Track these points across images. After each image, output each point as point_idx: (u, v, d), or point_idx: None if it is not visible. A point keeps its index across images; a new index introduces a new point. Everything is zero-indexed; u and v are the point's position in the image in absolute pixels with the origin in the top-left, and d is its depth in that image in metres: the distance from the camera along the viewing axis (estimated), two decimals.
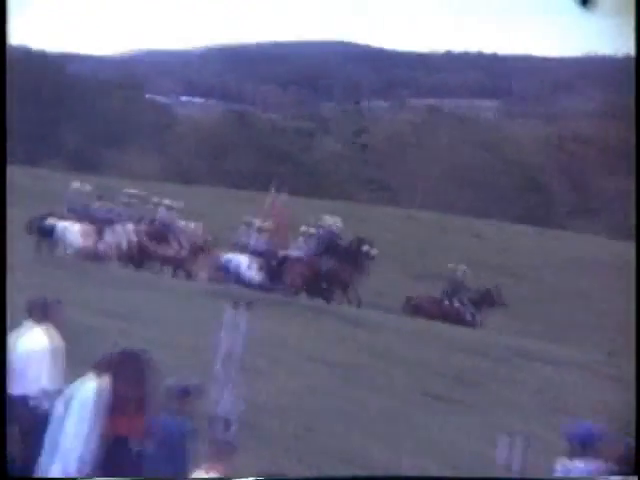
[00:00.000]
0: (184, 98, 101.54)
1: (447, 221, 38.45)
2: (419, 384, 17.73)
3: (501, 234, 39.72)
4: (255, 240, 26.63)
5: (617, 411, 17.38)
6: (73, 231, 25.51)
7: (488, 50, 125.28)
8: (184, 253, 26.50)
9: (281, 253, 26.49)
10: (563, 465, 9.59)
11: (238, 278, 25.79)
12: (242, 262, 26.27)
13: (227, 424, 11.82)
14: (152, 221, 26.63)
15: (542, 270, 32.34)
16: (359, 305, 25.91)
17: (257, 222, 27.11)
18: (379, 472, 13.13)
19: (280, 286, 25.75)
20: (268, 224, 27.06)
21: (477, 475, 13.26)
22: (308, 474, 11.39)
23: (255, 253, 26.40)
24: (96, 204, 26.28)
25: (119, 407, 9.24)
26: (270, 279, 25.98)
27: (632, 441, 9.42)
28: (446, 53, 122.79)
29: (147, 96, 79.42)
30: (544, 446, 14.19)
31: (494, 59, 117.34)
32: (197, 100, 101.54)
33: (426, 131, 68.16)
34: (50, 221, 25.73)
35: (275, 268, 26.22)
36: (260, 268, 26.12)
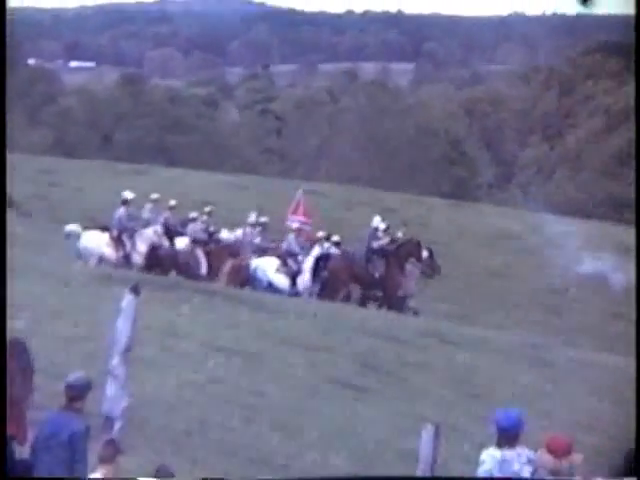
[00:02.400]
0: (73, 64, 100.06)
1: (354, 194, 38.47)
2: (325, 371, 17.72)
3: (412, 208, 39.97)
4: (290, 243, 26.55)
5: (539, 397, 17.64)
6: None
7: (409, 10, 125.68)
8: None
9: (319, 253, 26.32)
10: (490, 455, 9.62)
11: (267, 284, 25.82)
12: (268, 266, 26.14)
13: (111, 422, 11.72)
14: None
15: (456, 245, 32.57)
16: (417, 313, 25.80)
17: (294, 224, 27.30)
18: (280, 467, 13.11)
19: (322, 289, 25.71)
20: (300, 225, 27.29)
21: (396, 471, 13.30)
22: (200, 472, 11.30)
23: (289, 255, 26.34)
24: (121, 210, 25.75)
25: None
26: (313, 282, 25.89)
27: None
28: (364, 13, 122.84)
29: (30, 61, 78.08)
30: (463, 436, 14.35)
31: (413, 19, 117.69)
32: (87, 65, 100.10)
33: (339, 97, 68.24)
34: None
35: (316, 270, 26.02)
36: (289, 271, 26.09)
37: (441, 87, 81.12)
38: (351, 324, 21.50)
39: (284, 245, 26.62)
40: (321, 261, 25.99)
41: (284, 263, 26.02)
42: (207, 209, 27.40)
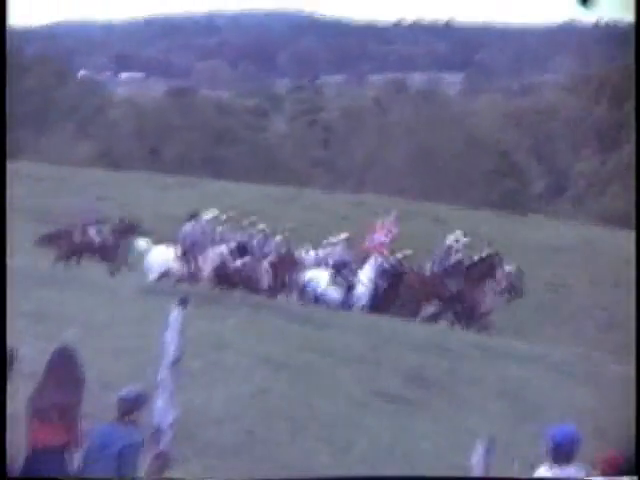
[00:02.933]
0: (124, 75, 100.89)
1: (404, 206, 38.39)
2: (371, 384, 17.73)
3: (462, 219, 39.91)
4: (340, 254, 26.61)
5: (588, 413, 17.52)
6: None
7: (458, 20, 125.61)
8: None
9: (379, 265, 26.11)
10: (544, 472, 9.61)
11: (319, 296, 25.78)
12: (321, 279, 26.08)
13: (160, 434, 11.80)
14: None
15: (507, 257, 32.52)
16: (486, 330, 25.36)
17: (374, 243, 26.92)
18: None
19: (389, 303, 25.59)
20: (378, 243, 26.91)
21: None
22: None
23: (342, 267, 26.30)
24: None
25: (45, 413, 9.24)
26: (384, 298, 25.71)
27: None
28: (413, 23, 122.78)
29: (80, 73, 78.87)
30: (516, 451, 14.29)
31: (463, 29, 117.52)
32: (136, 76, 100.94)
33: (387, 107, 68.20)
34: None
35: (388, 286, 25.86)
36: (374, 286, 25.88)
37: (491, 97, 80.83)
38: (401, 337, 21.52)
39: (336, 256, 26.53)
40: (390, 277, 25.80)
41: (337, 274, 25.93)
42: (288, 227, 27.39)
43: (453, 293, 25.52)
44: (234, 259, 25.34)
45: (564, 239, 38.12)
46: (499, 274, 25.56)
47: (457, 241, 26.22)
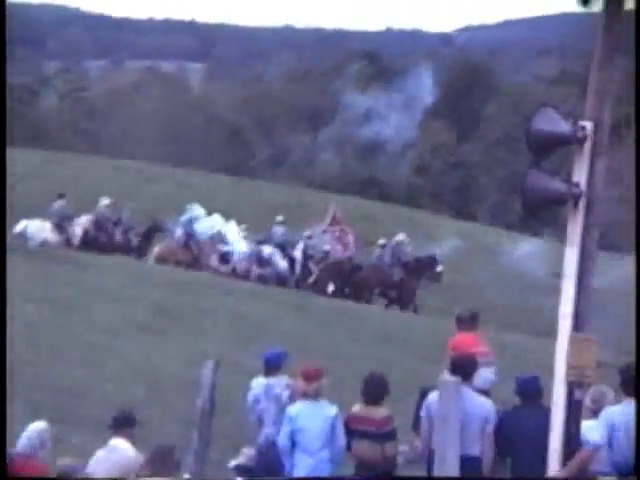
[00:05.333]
0: None
1: (153, 170, 37.99)
2: (125, 317, 17.46)
3: (204, 182, 39.87)
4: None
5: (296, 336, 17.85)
6: None
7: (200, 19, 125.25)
8: None
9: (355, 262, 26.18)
10: (257, 382, 9.87)
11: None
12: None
13: None
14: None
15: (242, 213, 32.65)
16: (415, 311, 25.42)
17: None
18: (82, 394, 12.91)
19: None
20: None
21: None
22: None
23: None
24: None
25: None
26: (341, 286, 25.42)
27: None
28: (164, 21, 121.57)
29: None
30: (242, 368, 14.39)
31: (203, 26, 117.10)
32: None
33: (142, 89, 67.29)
34: None
35: (347, 276, 25.65)
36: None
37: (226, 84, 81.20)
38: (148, 277, 21.26)
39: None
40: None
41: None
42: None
43: (394, 281, 25.75)
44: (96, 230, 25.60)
45: (283, 199, 38.68)
46: (433, 270, 26.00)
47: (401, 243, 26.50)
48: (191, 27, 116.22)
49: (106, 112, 64.90)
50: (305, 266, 26.09)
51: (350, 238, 27.42)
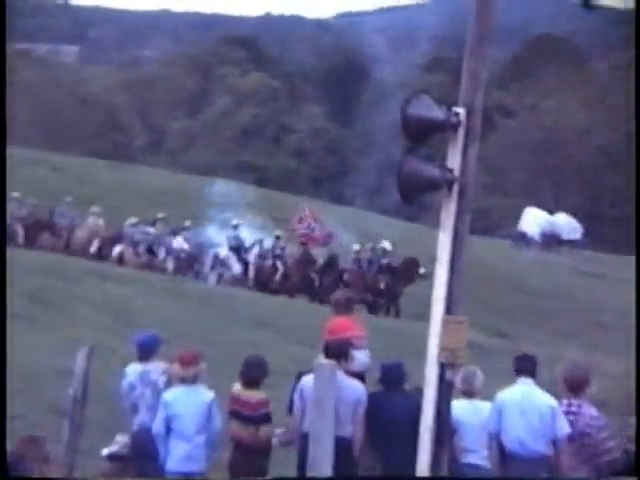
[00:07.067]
0: None
1: (26, 155, 36.87)
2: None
3: (79, 166, 38.98)
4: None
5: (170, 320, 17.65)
6: None
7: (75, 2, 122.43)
8: None
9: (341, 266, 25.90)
10: (132, 368, 9.63)
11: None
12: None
13: None
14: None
15: (119, 200, 32.08)
16: (398, 316, 25.15)
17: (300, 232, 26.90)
18: None
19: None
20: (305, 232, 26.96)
21: None
22: None
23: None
24: None
25: None
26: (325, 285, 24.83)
27: None
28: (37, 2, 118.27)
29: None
30: (117, 355, 14.13)
31: (77, 8, 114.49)
32: None
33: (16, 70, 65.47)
34: None
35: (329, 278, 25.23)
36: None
37: (103, 67, 79.72)
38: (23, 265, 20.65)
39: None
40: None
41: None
42: None
43: (382, 289, 25.68)
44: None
45: (163, 184, 38.20)
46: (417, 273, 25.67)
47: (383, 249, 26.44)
48: (65, 9, 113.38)
49: None
50: (274, 265, 26.14)
51: (319, 234, 27.80)
